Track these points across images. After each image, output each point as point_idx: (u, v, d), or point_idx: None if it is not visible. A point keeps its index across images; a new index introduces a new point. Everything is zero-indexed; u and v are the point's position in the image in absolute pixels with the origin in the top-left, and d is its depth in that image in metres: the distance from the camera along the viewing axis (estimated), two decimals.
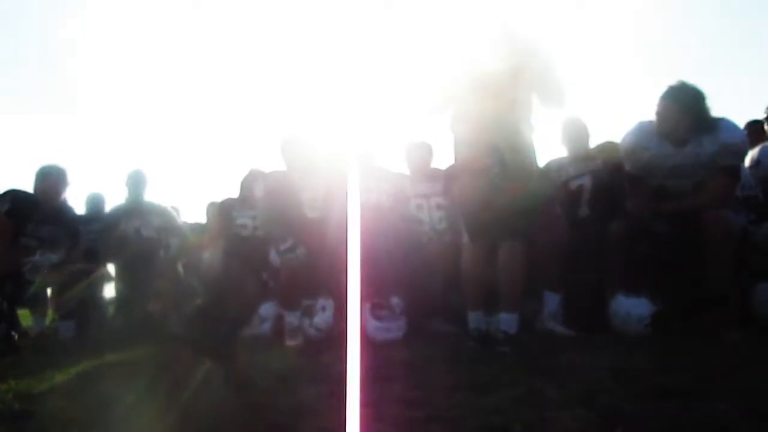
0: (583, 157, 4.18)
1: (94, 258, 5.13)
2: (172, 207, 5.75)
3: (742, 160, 3.73)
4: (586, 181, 4.11)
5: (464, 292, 3.35)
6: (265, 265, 4.37)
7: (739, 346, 2.93)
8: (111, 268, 5.34)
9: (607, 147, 4.15)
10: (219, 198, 5.84)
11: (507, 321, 3.10)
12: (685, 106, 3.39)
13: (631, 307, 3.33)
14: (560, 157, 4.30)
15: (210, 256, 5.34)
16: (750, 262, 3.77)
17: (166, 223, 5.30)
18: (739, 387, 1.98)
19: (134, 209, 5.25)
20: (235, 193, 5.15)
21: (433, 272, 4.02)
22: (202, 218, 6.11)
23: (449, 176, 4.12)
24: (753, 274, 3.71)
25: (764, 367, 2.29)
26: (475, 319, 3.26)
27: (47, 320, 5.26)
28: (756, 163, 3.90)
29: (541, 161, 4.26)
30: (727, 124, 3.43)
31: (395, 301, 3.81)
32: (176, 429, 1.78)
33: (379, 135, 4.46)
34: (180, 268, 5.24)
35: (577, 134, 4.23)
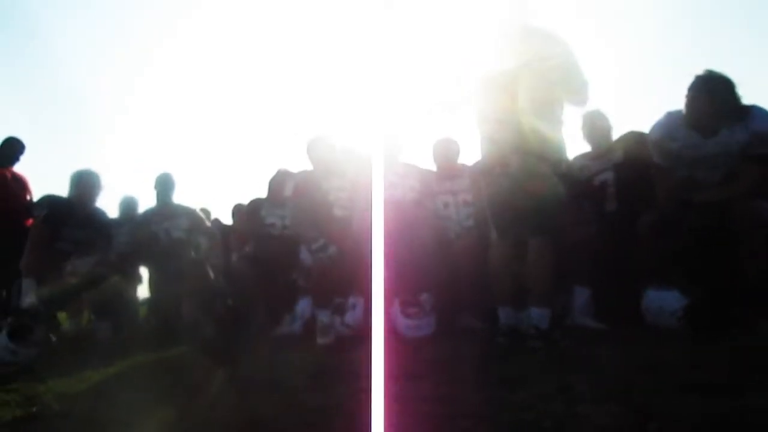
0: (604, 152, 4.12)
1: (127, 260, 5.23)
2: (202, 209, 5.84)
3: None
4: (610, 176, 4.06)
5: (493, 287, 3.34)
6: (295, 264, 4.42)
7: None
8: (143, 269, 5.44)
9: (629, 137, 4.08)
10: (245, 199, 5.94)
11: (538, 316, 3.08)
12: (715, 96, 3.34)
13: (663, 301, 3.28)
14: (582, 153, 4.27)
15: (239, 257, 5.41)
16: None
17: (194, 225, 5.38)
18: None
19: (163, 211, 5.33)
20: (263, 194, 5.21)
21: (461, 268, 4.02)
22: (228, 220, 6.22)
23: (476, 173, 4.11)
24: None
25: None
26: (504, 314, 3.25)
27: (83, 321, 5.38)
28: None
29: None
30: (759, 111, 3.37)
31: (425, 297, 3.82)
32: (206, 431, 1.82)
33: (406, 132, 4.46)
34: (209, 269, 5.31)
35: (598, 128, 4.19)
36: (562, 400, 1.86)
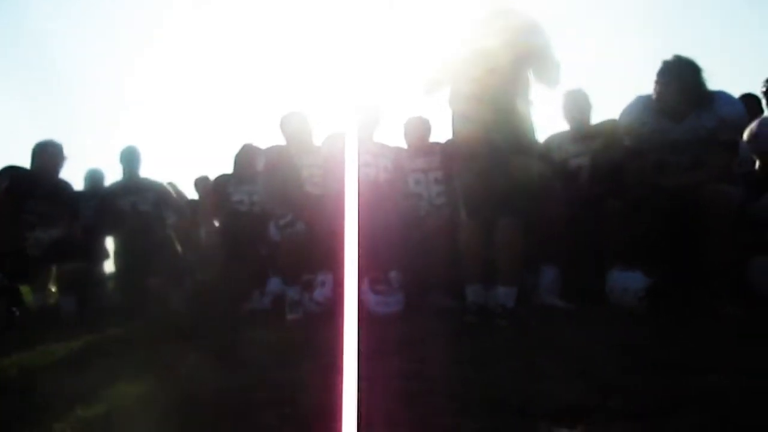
0: (583, 136, 4.14)
1: (93, 234, 5.15)
2: (169, 183, 5.75)
3: (741, 134, 3.72)
4: (586, 162, 4.10)
5: (462, 266, 3.37)
6: (263, 240, 4.39)
7: (735, 319, 2.96)
8: (109, 243, 5.36)
9: (609, 125, 4.11)
10: (208, 173, 5.86)
11: (505, 295, 3.12)
12: (682, 81, 3.39)
13: (627, 281, 3.35)
14: (561, 131, 4.28)
15: (206, 232, 5.36)
16: (746, 237, 3.79)
17: (162, 198, 5.30)
18: (733, 360, 2.01)
19: (130, 185, 5.24)
20: (228, 169, 5.15)
21: (432, 246, 4.04)
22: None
23: (447, 151, 4.12)
24: (749, 249, 3.74)
25: (759, 340, 2.31)
26: (473, 292, 3.29)
27: (48, 296, 5.29)
28: (754, 136, 3.88)
29: (542, 136, 4.27)
30: (726, 97, 3.42)
31: (394, 275, 3.83)
32: (174, 405, 1.81)
33: (380, 110, 4.43)
34: (178, 244, 5.25)
35: (578, 107, 4.20)
36: (528, 378, 1.89)
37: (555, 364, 2.06)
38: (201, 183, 5.94)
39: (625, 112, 3.66)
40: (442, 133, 4.58)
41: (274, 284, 4.20)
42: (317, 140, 4.47)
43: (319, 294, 3.88)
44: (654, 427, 1.36)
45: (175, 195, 5.68)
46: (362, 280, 3.76)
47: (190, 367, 2.39)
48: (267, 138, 5.38)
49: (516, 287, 3.15)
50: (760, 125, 3.90)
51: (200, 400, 1.82)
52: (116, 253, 5.29)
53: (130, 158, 5.30)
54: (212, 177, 5.65)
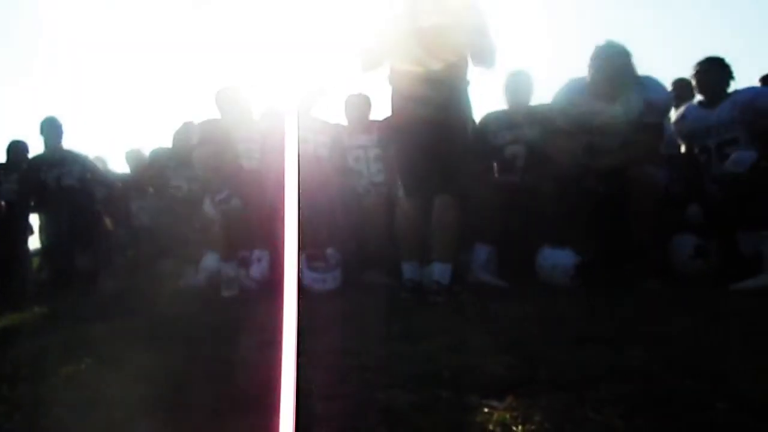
0: (520, 119, 4.22)
1: (16, 208, 4.93)
2: (97, 157, 5.55)
3: (666, 117, 3.88)
4: (521, 150, 4.18)
5: (399, 243, 3.40)
6: (198, 215, 4.31)
7: (657, 294, 3.12)
8: (34, 219, 5.15)
9: (546, 108, 4.17)
10: (140, 145, 5.68)
11: (440, 271, 3.18)
12: (613, 65, 3.50)
13: (557, 259, 3.46)
14: (498, 111, 4.34)
15: (139, 208, 5.21)
16: (668, 216, 3.98)
17: (88, 172, 5.11)
18: (654, 333, 2.12)
19: (53, 158, 5.02)
20: (166, 144, 5.01)
21: (370, 224, 4.06)
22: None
23: (386, 128, 4.13)
24: (670, 228, 3.93)
25: (678, 314, 2.44)
26: (409, 269, 3.33)
27: None
28: (681, 118, 4.07)
29: (479, 114, 4.33)
30: (652, 82, 3.56)
31: (331, 252, 3.84)
32: (104, 385, 1.77)
33: (318, 85, 4.39)
34: (107, 219, 5.09)
35: (518, 88, 4.25)
36: (461, 352, 1.94)
37: (487, 339, 2.11)
38: (133, 156, 5.74)
39: (559, 94, 3.76)
40: (382, 110, 4.59)
41: (209, 261, 4.14)
42: (255, 115, 4.40)
43: (256, 270, 3.85)
44: (579, 397, 1.42)
45: (102, 169, 5.49)
46: (299, 257, 3.75)
47: (122, 345, 2.34)
48: (203, 112, 5.27)
49: (451, 264, 3.21)
50: (687, 109, 4.08)
51: (134, 380, 1.79)
52: (41, 229, 5.09)
53: (51, 130, 5.07)
54: (146, 150, 5.51)
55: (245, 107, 4.36)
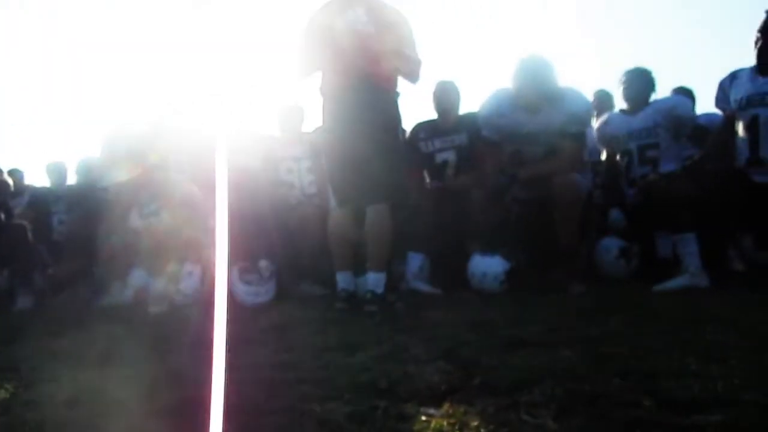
0: (451, 129, 4.29)
1: None
2: (10, 171, 5.30)
3: (588, 126, 4.04)
4: (452, 157, 4.25)
5: (332, 253, 3.39)
6: (125, 228, 4.17)
7: (584, 297, 3.22)
8: None
9: (473, 117, 4.25)
10: (60, 158, 5.49)
11: (374, 281, 3.18)
12: (537, 78, 3.63)
13: (487, 266, 3.53)
14: (429, 120, 4.40)
15: (60, 222, 5.01)
16: (593, 222, 4.15)
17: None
18: (583, 335, 2.19)
19: None
20: (94, 153, 4.84)
21: (303, 235, 4.03)
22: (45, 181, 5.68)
23: (317, 139, 4.12)
24: (595, 232, 4.11)
25: (605, 315, 2.53)
26: (343, 280, 3.32)
27: None
28: (604, 124, 4.26)
29: (409, 125, 4.38)
30: (573, 93, 3.71)
31: (264, 264, 3.79)
32: (36, 401, 1.68)
33: (249, 96, 4.35)
34: (30, 235, 4.85)
35: (446, 99, 4.31)
36: (396, 361, 1.95)
37: (421, 347, 2.13)
38: (54, 169, 5.51)
39: (485, 105, 3.85)
40: (314, 121, 4.58)
41: (136, 277, 4.00)
42: (185, 125, 4.30)
43: (186, 285, 3.75)
44: (513, 401, 1.45)
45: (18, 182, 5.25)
46: (231, 270, 3.68)
47: (45, 366, 2.23)
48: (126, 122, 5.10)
49: (385, 273, 3.22)
50: (610, 116, 4.28)
51: (58, 403, 1.71)
52: None
53: None
54: (69, 163, 5.31)
55: (176, 117, 4.26)
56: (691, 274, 3.25)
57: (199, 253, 3.69)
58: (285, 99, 4.65)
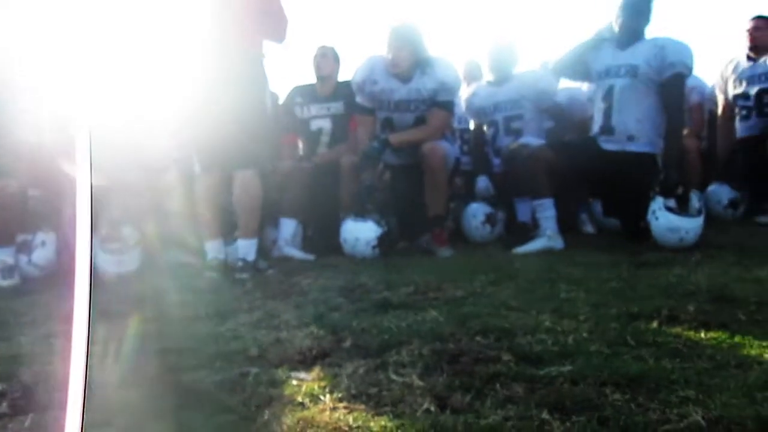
0: (328, 96, 4.26)
1: None
2: None
3: (456, 95, 4.17)
4: (327, 125, 4.24)
5: (201, 222, 3.30)
6: None
7: (451, 260, 3.37)
8: None
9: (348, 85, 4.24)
10: None
11: (245, 248, 3.14)
12: (408, 44, 3.69)
13: (359, 231, 3.58)
14: (306, 85, 4.35)
15: None
16: (460, 188, 4.33)
17: None
18: (448, 296, 2.29)
19: None
20: None
21: (170, 201, 3.87)
22: None
23: (180, 103, 3.94)
24: (462, 198, 4.29)
25: (469, 277, 2.66)
26: (212, 248, 3.25)
27: None
28: (472, 95, 4.41)
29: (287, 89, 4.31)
30: (444, 63, 3.81)
31: (128, 231, 3.61)
32: None
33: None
34: None
35: (326, 65, 4.25)
36: (267, 328, 1.94)
37: (293, 313, 2.14)
38: None
39: (358, 71, 3.86)
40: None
41: None
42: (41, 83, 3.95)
43: (39, 256, 3.49)
44: (382, 362, 1.50)
45: None
46: (92, 239, 3.47)
47: None
48: None
49: (256, 240, 3.18)
50: (477, 87, 4.44)
51: None
52: None
53: None
54: None
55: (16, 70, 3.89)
56: (548, 237, 3.47)
57: (53, 221, 3.45)
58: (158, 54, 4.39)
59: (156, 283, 3.12)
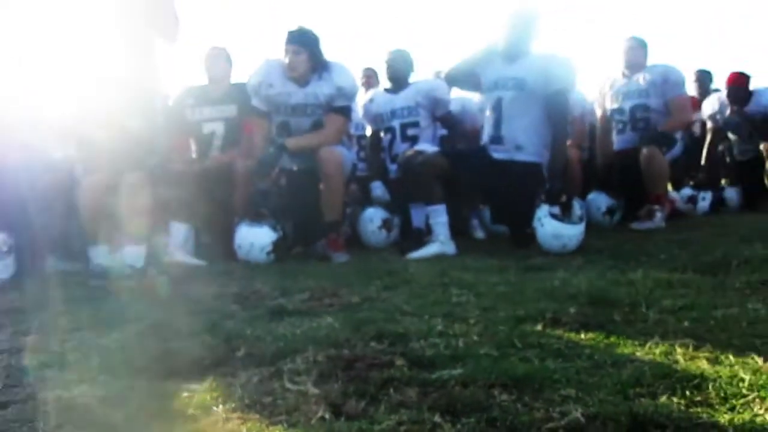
0: (220, 98, 4.15)
1: None
2: None
3: (353, 101, 4.20)
4: (220, 128, 4.13)
5: (84, 226, 3.13)
6: None
7: (346, 266, 3.38)
8: None
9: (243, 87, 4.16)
10: None
11: (132, 254, 3.00)
12: (304, 48, 3.69)
13: (254, 236, 3.53)
14: (197, 86, 4.24)
15: None
16: (357, 194, 4.37)
17: None
18: (343, 302, 2.29)
19: None
20: None
21: (51, 205, 3.64)
22: None
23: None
24: (358, 203, 4.33)
25: (364, 282, 2.67)
26: (97, 254, 3.09)
27: None
28: (369, 101, 4.49)
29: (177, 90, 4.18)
30: (339, 68, 3.84)
31: (1, 238, 3.37)
32: None
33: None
34: None
35: (217, 66, 4.19)
36: (157, 338, 1.86)
37: (185, 321, 2.07)
38: None
39: (254, 74, 3.82)
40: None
41: None
42: None
43: None
44: (276, 370, 1.48)
45: None
46: None
47: None
48: None
49: (144, 246, 3.05)
50: (375, 94, 4.53)
51: None
52: None
53: None
54: None
55: None
56: (441, 243, 3.56)
57: None
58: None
59: (33, 292, 2.92)
